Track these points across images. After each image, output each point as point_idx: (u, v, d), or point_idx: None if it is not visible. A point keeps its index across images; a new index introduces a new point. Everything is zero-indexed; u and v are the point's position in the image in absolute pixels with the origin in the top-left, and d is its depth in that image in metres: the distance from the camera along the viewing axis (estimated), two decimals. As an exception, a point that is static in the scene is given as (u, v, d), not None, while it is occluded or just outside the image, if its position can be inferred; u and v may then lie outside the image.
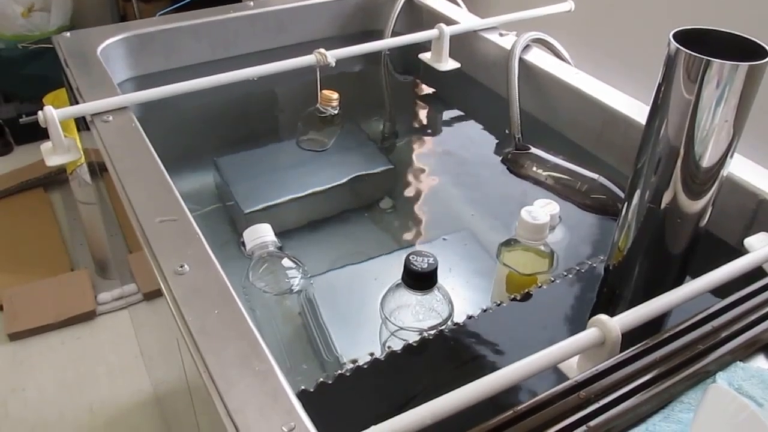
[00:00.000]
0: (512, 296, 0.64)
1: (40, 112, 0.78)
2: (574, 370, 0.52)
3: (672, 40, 0.54)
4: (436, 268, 0.59)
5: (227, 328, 0.51)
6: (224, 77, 0.87)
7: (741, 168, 0.72)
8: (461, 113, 1.05)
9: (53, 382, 1.55)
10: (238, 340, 0.50)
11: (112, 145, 0.74)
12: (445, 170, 0.93)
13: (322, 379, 0.55)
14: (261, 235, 0.69)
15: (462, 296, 0.70)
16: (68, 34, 1.01)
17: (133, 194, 0.66)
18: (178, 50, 1.07)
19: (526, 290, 0.65)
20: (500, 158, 0.91)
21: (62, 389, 1.53)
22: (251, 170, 0.91)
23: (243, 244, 0.70)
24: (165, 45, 1.06)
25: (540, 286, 0.66)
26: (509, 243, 0.68)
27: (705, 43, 0.54)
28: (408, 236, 0.82)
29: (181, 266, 0.57)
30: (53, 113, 0.78)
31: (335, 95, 0.93)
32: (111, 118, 0.79)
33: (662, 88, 0.56)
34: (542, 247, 0.67)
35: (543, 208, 0.71)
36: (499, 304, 0.64)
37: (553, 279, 0.67)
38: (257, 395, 0.46)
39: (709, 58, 0.52)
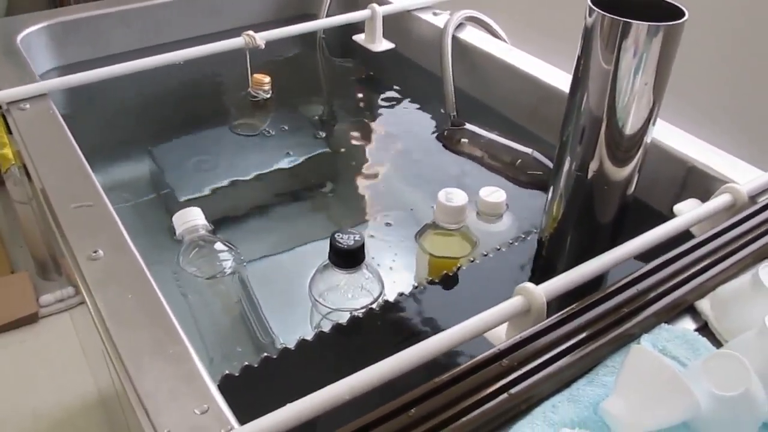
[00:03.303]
0: (445, 272, 0.63)
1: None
2: (502, 339, 0.51)
3: (590, 4, 0.53)
4: (362, 245, 0.58)
5: (141, 313, 0.49)
6: (148, 62, 0.84)
7: (670, 136, 0.72)
8: (398, 94, 1.04)
9: (-5, 388, 1.50)
10: (152, 325, 0.48)
11: (27, 132, 0.71)
12: (383, 151, 0.91)
13: (247, 363, 0.53)
14: (191, 218, 0.67)
15: (400, 276, 0.69)
16: (-13, 22, 0.97)
17: (47, 180, 0.63)
18: (106, 38, 1.04)
19: (458, 266, 0.64)
20: (435, 136, 0.90)
21: (5, 394, 1.48)
22: (185, 158, 0.88)
23: (173, 229, 0.67)
24: (92, 33, 1.02)
25: (473, 261, 0.65)
26: (431, 225, 0.67)
27: (624, 9, 0.53)
28: (346, 219, 0.80)
29: (95, 252, 0.54)
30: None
31: (267, 79, 0.91)
32: (28, 105, 0.76)
33: (582, 56, 0.55)
34: (464, 231, 0.66)
35: (490, 195, 0.69)
36: (431, 281, 0.63)
37: (485, 253, 0.66)
38: (169, 379, 0.44)
39: (626, 20, 0.51)
